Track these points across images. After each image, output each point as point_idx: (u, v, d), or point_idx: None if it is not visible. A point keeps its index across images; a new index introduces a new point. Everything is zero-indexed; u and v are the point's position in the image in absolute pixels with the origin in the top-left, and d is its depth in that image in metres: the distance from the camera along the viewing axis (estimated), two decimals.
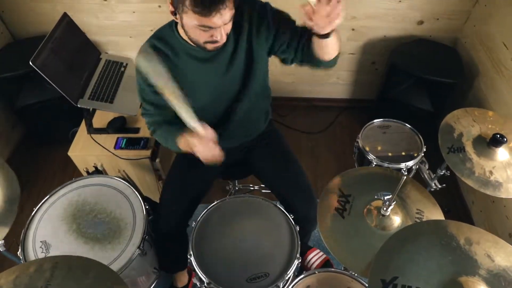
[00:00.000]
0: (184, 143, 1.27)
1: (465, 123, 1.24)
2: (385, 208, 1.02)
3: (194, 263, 1.26)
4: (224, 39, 1.11)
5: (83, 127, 1.97)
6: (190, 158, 1.51)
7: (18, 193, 1.22)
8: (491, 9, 1.95)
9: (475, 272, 0.82)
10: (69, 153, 1.86)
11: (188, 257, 1.30)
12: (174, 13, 1.09)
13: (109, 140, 1.87)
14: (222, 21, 1.03)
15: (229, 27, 1.11)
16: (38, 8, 2.29)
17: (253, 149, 1.61)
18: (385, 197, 1.01)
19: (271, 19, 1.22)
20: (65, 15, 1.73)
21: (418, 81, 2.09)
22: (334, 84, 2.73)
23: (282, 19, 1.24)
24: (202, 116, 1.32)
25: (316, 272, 1.10)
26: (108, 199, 1.46)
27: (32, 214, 1.41)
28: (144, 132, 1.90)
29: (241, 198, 1.47)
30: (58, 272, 1.03)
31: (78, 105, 1.66)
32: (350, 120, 2.80)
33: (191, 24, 1.04)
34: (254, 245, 1.32)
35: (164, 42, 1.20)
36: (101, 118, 1.97)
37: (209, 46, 1.12)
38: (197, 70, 1.25)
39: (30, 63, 1.45)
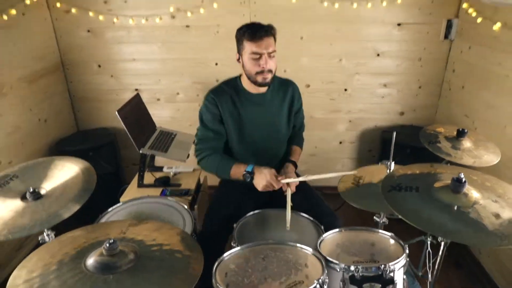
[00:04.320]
0: (237, 169, 1.70)
1: (433, 132, 1.72)
2: (388, 171, 1.37)
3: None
4: (270, 69, 1.63)
5: (131, 185, 2.34)
6: (228, 190, 1.88)
7: (94, 179, 1.56)
8: (451, 98, 2.61)
9: None
10: (120, 200, 2.19)
11: (232, 244, 1.52)
12: (238, 59, 1.69)
13: (155, 191, 2.23)
14: (266, 48, 1.58)
15: (272, 62, 1.64)
16: (105, 107, 2.97)
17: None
18: (387, 162, 1.37)
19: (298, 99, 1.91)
20: (138, 94, 2.36)
21: (409, 151, 2.57)
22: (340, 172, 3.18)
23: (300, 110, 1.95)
24: (250, 147, 1.79)
25: (343, 230, 1.34)
26: (161, 211, 1.75)
27: (96, 221, 1.69)
28: (186, 185, 2.27)
29: (274, 210, 1.76)
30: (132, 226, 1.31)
31: (141, 151, 2.11)
32: None
33: (246, 56, 1.62)
34: (288, 235, 1.54)
35: (230, 86, 1.79)
36: (147, 179, 2.37)
37: (259, 78, 1.65)
38: (250, 109, 1.78)
39: (116, 113, 1.98)
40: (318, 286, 1.01)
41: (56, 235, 1.44)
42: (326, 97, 2.88)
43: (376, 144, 3.00)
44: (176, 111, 2.98)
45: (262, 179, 1.60)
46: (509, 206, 1.10)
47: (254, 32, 1.59)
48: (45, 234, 1.55)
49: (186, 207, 1.77)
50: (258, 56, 1.60)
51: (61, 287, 1.00)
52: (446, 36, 2.58)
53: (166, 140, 2.34)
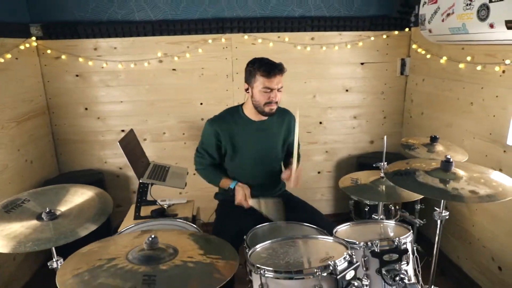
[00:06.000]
0: (224, 183, 1.98)
1: (410, 142, 2.02)
2: (382, 170, 1.58)
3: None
4: (277, 101, 1.85)
5: (126, 219, 2.34)
6: (228, 210, 2.03)
7: (111, 204, 1.61)
8: (413, 124, 2.99)
9: None
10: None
11: (246, 251, 1.60)
12: (247, 90, 1.89)
13: None
14: (277, 84, 1.81)
15: (280, 95, 1.86)
16: (90, 149, 3.00)
17: None
18: (380, 163, 1.59)
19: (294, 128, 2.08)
20: (132, 130, 2.46)
21: None
22: (320, 201, 3.36)
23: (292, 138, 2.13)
24: (246, 169, 1.95)
25: (351, 224, 1.49)
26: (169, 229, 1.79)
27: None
28: (182, 215, 2.32)
29: (278, 223, 1.87)
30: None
31: (140, 181, 2.17)
32: None
33: (258, 89, 1.82)
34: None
35: (230, 114, 1.99)
36: (143, 212, 2.39)
37: (267, 108, 1.85)
38: (250, 135, 1.98)
39: (118, 143, 2.06)
40: (347, 256, 1.13)
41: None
42: (303, 130, 3.14)
43: (352, 172, 3.24)
44: (162, 150, 3.07)
45: (236, 196, 1.90)
46: (485, 184, 1.35)
47: (269, 69, 1.80)
48: (54, 259, 1.54)
49: (194, 225, 1.83)
50: (270, 90, 1.82)
51: (112, 276, 1.04)
52: (401, 73, 3.02)
53: (161, 172, 2.41)
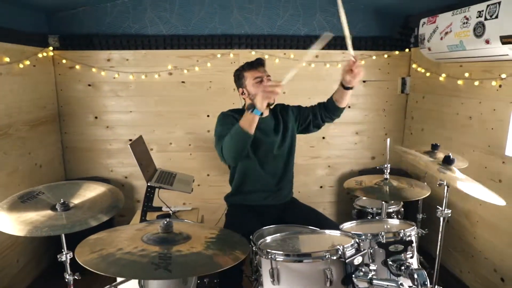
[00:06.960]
0: (243, 119, 1.78)
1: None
2: (386, 171, 1.64)
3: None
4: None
5: (132, 223, 2.38)
6: (238, 214, 2.08)
7: (122, 199, 1.66)
8: (413, 140, 3.07)
9: None
10: None
11: (254, 249, 1.63)
12: (242, 93, 1.99)
13: None
14: (264, 72, 1.98)
15: (269, 82, 1.98)
16: (97, 157, 3.06)
17: (285, 209, 2.15)
18: (384, 165, 1.65)
19: (291, 108, 2.20)
20: (141, 136, 2.53)
21: None
22: None
23: (299, 107, 2.24)
24: (253, 163, 2.00)
25: (355, 222, 1.53)
26: None
27: None
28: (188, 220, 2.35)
29: (284, 225, 1.91)
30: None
31: (148, 184, 2.21)
32: None
33: (250, 84, 1.95)
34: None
35: (236, 112, 2.05)
36: (148, 218, 2.42)
37: None
38: (256, 132, 2.01)
39: (129, 146, 2.13)
40: (355, 243, 1.18)
41: None
42: (306, 144, 3.21)
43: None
44: (167, 160, 3.13)
45: (259, 95, 1.72)
46: None
47: (252, 63, 2.03)
48: (64, 252, 1.57)
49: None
50: (260, 79, 1.97)
51: (129, 253, 1.08)
52: (402, 91, 3.13)
53: (168, 177, 2.46)
